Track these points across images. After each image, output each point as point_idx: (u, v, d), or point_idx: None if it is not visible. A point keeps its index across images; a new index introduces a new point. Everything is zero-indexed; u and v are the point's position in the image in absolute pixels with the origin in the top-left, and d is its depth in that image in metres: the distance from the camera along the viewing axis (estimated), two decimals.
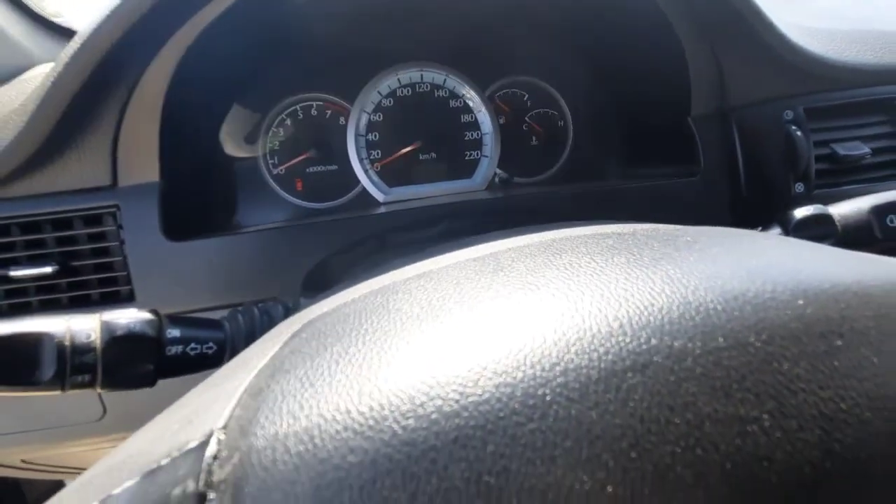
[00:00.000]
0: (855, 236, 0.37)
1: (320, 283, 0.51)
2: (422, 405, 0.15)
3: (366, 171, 0.68)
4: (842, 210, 0.38)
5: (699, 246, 0.22)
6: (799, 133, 0.56)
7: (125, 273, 0.49)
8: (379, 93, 0.69)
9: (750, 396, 0.15)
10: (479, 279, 0.21)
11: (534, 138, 0.73)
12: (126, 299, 0.49)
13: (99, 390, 0.30)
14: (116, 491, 0.15)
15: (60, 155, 0.47)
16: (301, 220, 0.65)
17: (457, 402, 0.15)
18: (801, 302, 0.17)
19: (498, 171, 0.71)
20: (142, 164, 0.49)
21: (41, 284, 0.48)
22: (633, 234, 0.25)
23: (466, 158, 0.71)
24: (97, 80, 0.44)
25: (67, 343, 0.29)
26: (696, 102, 0.56)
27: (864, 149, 0.57)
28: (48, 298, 0.49)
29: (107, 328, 0.30)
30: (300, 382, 0.17)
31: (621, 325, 0.16)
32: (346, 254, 0.52)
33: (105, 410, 0.51)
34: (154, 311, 0.33)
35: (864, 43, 0.59)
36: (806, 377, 0.15)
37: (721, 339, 0.16)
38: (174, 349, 0.32)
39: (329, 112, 0.68)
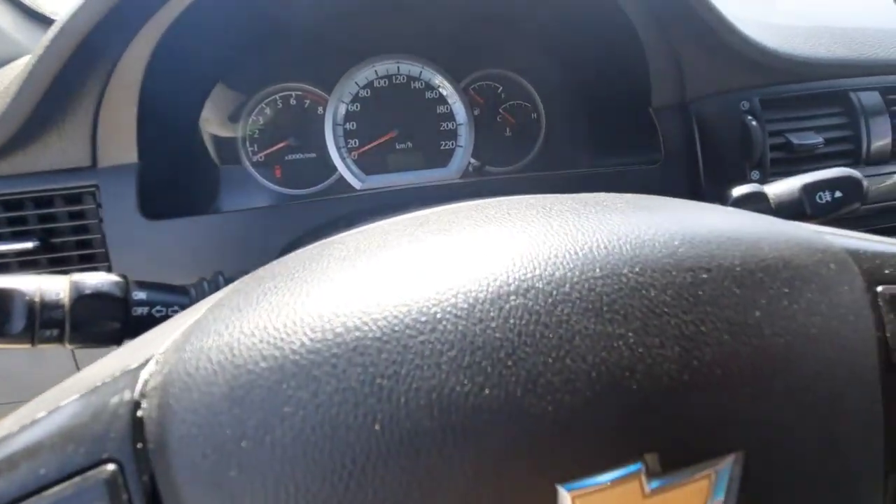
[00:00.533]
0: (787, 213, 0.40)
1: None
2: (328, 321, 0.17)
3: (343, 160, 0.70)
4: (775, 189, 0.41)
5: (609, 202, 0.24)
6: (754, 123, 0.58)
7: (103, 250, 0.51)
8: (356, 83, 0.71)
9: (618, 317, 0.17)
10: (403, 230, 0.23)
11: (507, 129, 0.76)
12: None
13: (67, 346, 0.32)
14: (63, 403, 0.17)
15: (42, 136, 0.50)
16: (280, 203, 0.67)
17: (359, 318, 0.17)
18: (676, 243, 0.20)
19: (472, 160, 0.73)
20: (120, 145, 0.51)
21: (23, 259, 0.50)
22: (557, 198, 0.27)
23: (442, 148, 0.74)
24: (75, 63, 0.46)
25: (37, 300, 0.31)
26: (656, 94, 0.59)
27: (817, 139, 0.59)
28: (28, 275, 0.51)
29: (75, 287, 0.32)
30: (230, 310, 0.19)
31: (512, 259, 0.18)
32: (317, 234, 0.54)
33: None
34: (122, 276, 0.35)
35: (819, 38, 0.62)
36: (671, 303, 0.18)
37: (598, 270, 0.18)
38: (140, 310, 0.34)
39: (308, 101, 0.71)
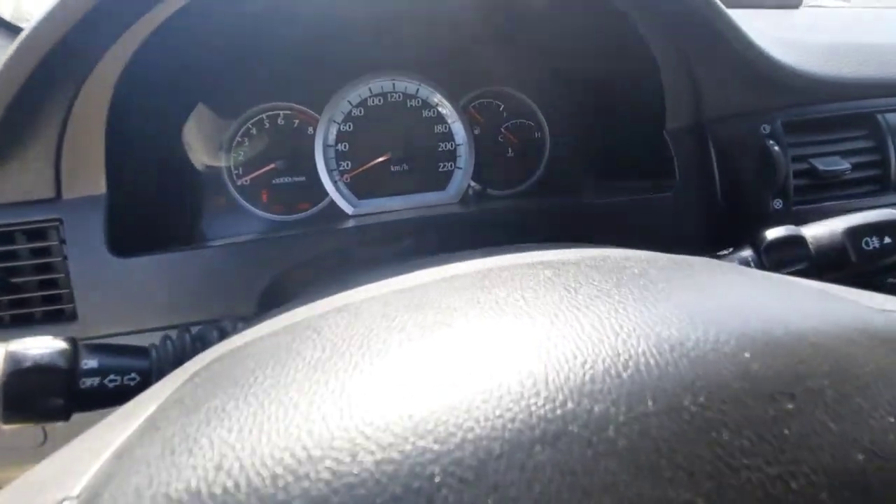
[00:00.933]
0: (828, 259, 0.35)
1: (275, 303, 0.49)
2: (285, 487, 0.12)
3: (335, 183, 0.66)
4: (815, 231, 0.36)
5: (643, 281, 0.20)
6: (777, 148, 0.54)
7: (68, 290, 0.46)
8: (349, 102, 0.67)
9: (682, 476, 0.12)
10: (393, 318, 0.19)
11: (509, 150, 0.71)
12: (69, 318, 0.47)
13: (3, 425, 0.28)
14: None
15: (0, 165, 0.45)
16: (265, 233, 0.63)
17: (327, 484, 0.12)
18: (747, 355, 0.15)
19: (472, 182, 0.69)
20: (86, 175, 0.47)
21: None
22: (576, 264, 0.23)
23: (440, 170, 0.69)
24: (37, 82, 0.42)
25: None
26: (670, 116, 0.55)
27: (844, 164, 0.55)
28: None
29: (11, 359, 0.28)
30: (162, 446, 0.15)
31: (535, 384, 0.14)
32: (303, 270, 0.49)
33: (46, 436, 0.48)
34: (70, 339, 0.30)
35: (843, 56, 0.58)
36: (750, 450, 0.13)
37: (650, 403, 0.14)
38: (89, 381, 0.29)
39: (297, 122, 0.66)
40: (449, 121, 0.69)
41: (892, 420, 0.14)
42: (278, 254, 0.49)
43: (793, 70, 0.54)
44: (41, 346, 0.29)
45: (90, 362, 0.30)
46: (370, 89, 0.67)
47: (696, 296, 0.18)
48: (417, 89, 0.68)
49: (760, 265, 0.37)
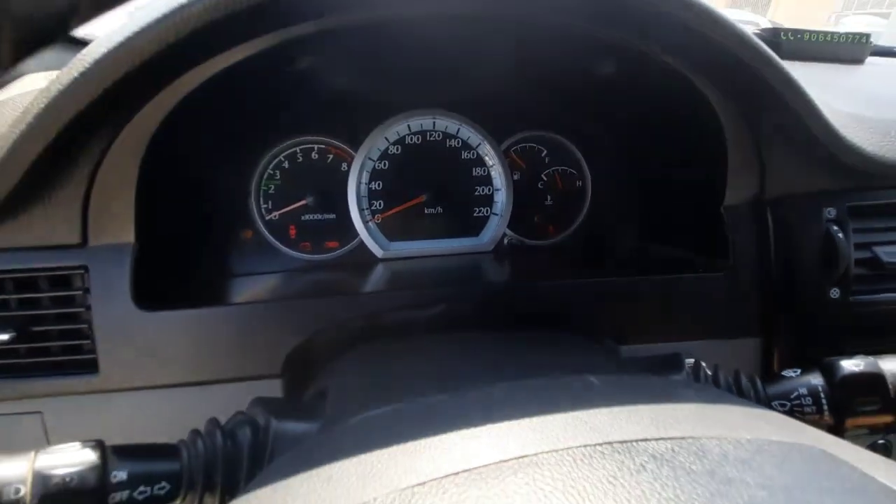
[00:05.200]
0: None
1: (301, 367, 0.47)
2: None
3: (365, 223, 0.63)
4: (894, 367, 0.34)
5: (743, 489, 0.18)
6: (840, 234, 0.51)
7: (90, 342, 0.44)
8: (386, 139, 0.64)
9: None
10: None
11: (549, 198, 0.68)
12: (89, 369, 0.45)
13: None
14: None
15: (26, 208, 0.43)
16: (293, 275, 0.60)
17: None
18: None
19: (507, 231, 0.66)
20: (115, 222, 0.44)
21: None
22: (669, 460, 0.20)
23: (475, 215, 0.66)
24: (74, 129, 0.39)
25: None
26: (731, 191, 0.51)
27: None
28: (4, 363, 0.44)
29: (40, 480, 0.26)
30: None
31: None
32: (329, 335, 0.47)
33: None
34: (98, 445, 0.28)
35: None
36: None
37: None
38: (119, 496, 0.28)
39: (331, 157, 0.63)
40: (489, 163, 0.66)
41: None
42: (306, 316, 0.47)
43: (867, 154, 0.50)
44: (70, 461, 0.27)
45: (119, 474, 0.28)
46: (409, 126, 0.64)
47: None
48: (458, 129, 0.65)
49: (831, 398, 0.34)
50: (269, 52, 0.41)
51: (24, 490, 0.25)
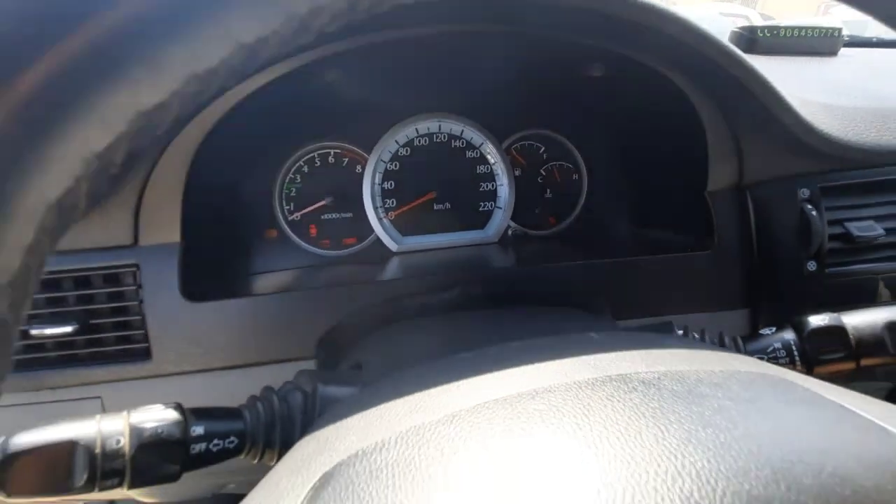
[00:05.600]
0: (867, 350, 0.38)
1: (333, 348, 0.52)
2: None
3: (380, 220, 0.68)
4: (855, 322, 0.39)
5: (725, 423, 0.23)
6: (814, 212, 0.56)
7: (142, 331, 0.49)
8: (396, 142, 0.69)
9: None
10: (508, 439, 0.22)
11: (547, 191, 0.74)
12: (142, 357, 0.50)
13: (126, 490, 0.31)
14: None
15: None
16: (315, 270, 0.65)
17: None
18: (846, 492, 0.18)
19: (512, 223, 0.71)
20: (164, 224, 0.49)
21: (59, 341, 0.49)
22: (657, 384, 0.25)
23: (480, 209, 0.72)
24: None
25: (98, 451, 0.29)
26: (713, 178, 0.57)
27: (878, 229, 0.57)
28: (65, 354, 0.49)
29: (135, 432, 0.31)
30: None
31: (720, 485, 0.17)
32: (355, 320, 0.52)
33: None
34: (178, 407, 0.33)
35: (883, 122, 0.60)
36: None
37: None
38: (198, 447, 0.33)
39: (346, 160, 0.69)
40: (491, 161, 0.71)
41: None
42: (335, 303, 0.52)
43: (834, 139, 0.55)
44: (159, 417, 0.32)
45: (197, 429, 0.33)
46: (417, 130, 0.69)
47: (782, 451, 0.21)
48: (462, 130, 0.70)
49: (802, 349, 0.40)
50: (306, 66, 0.46)
51: (124, 441, 0.30)
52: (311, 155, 0.68)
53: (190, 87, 0.15)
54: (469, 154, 0.71)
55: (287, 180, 0.67)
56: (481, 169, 0.72)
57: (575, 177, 0.74)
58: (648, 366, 0.28)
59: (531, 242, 0.71)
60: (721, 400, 0.24)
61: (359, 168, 0.69)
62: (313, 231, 0.68)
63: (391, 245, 0.68)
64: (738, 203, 0.57)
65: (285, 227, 0.67)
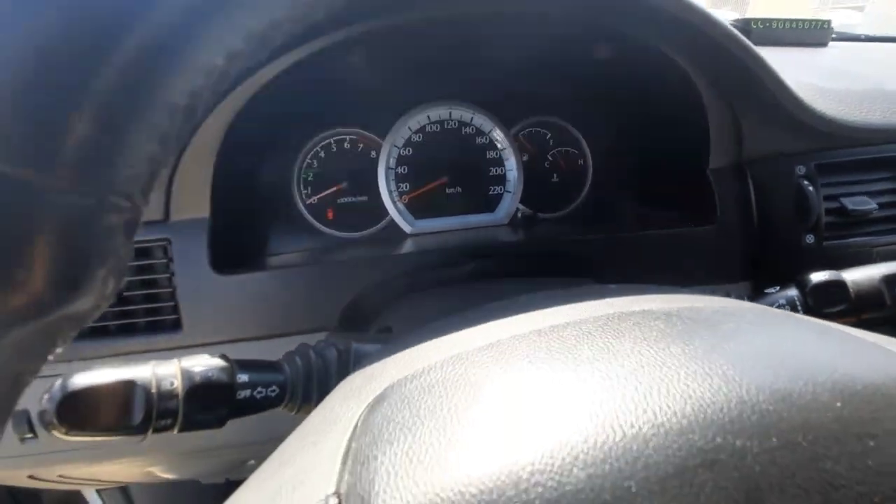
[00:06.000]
0: (866, 303, 0.40)
1: (355, 318, 0.54)
2: (525, 491, 0.17)
3: (394, 203, 0.71)
4: (855, 277, 0.41)
5: (744, 337, 0.25)
6: (811, 188, 0.59)
7: (173, 304, 0.51)
8: (409, 128, 0.72)
9: (801, 492, 0.18)
10: (549, 360, 0.24)
11: (555, 175, 0.77)
12: (171, 328, 0.52)
13: (176, 433, 0.33)
14: None
15: None
16: (333, 250, 0.68)
17: (556, 489, 0.17)
18: (838, 404, 0.20)
19: (521, 206, 0.74)
20: (194, 200, 0.52)
21: None
22: (677, 315, 0.28)
23: (490, 193, 0.74)
24: None
25: (154, 390, 0.31)
26: (714, 156, 0.60)
27: (872, 204, 0.60)
28: (97, 326, 0.51)
29: (187, 375, 0.33)
30: (407, 458, 0.20)
31: (689, 423, 0.19)
32: (377, 291, 0.54)
33: None
34: (223, 356, 0.35)
35: (873, 103, 0.63)
36: (846, 475, 0.18)
37: (774, 440, 0.19)
38: (244, 393, 0.35)
39: (361, 146, 0.71)
40: (500, 147, 0.74)
41: None
42: (353, 274, 0.54)
43: (828, 118, 0.59)
44: (207, 363, 0.34)
45: (243, 377, 0.35)
46: (429, 117, 0.72)
47: (789, 350, 0.23)
48: (472, 117, 0.73)
49: (805, 304, 0.42)
50: (326, 48, 0.49)
51: (177, 383, 0.32)
52: (328, 141, 0.70)
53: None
54: (479, 140, 0.74)
55: (305, 165, 0.70)
56: (490, 154, 0.74)
57: (580, 162, 0.77)
58: (667, 303, 0.30)
59: (539, 224, 0.74)
60: (739, 323, 0.27)
61: (373, 153, 0.71)
62: (330, 214, 0.71)
63: (405, 227, 0.71)
64: (738, 180, 0.60)
65: (303, 209, 0.69)
